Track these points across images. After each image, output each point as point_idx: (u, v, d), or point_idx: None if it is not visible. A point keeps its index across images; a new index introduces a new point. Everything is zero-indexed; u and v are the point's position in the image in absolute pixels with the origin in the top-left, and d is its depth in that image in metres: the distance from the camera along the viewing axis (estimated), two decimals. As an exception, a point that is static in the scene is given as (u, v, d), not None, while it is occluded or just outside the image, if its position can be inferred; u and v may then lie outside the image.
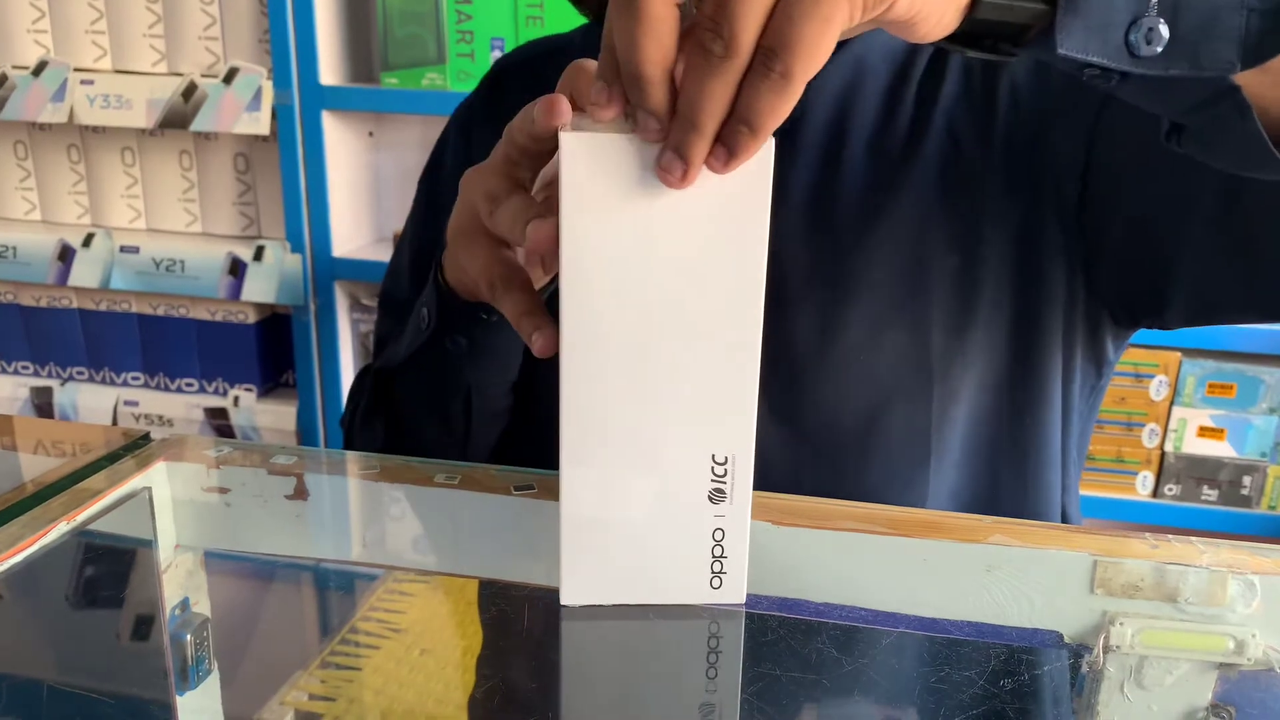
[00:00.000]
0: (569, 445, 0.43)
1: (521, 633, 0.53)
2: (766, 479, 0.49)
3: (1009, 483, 0.67)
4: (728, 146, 0.37)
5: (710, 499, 0.43)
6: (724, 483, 0.43)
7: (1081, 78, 0.40)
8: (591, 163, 0.39)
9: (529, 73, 0.76)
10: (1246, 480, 1.45)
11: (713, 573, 0.45)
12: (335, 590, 0.60)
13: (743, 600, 0.46)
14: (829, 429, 0.64)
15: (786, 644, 0.46)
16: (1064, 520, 0.71)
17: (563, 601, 0.45)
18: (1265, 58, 0.36)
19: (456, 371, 0.61)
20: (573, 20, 1.09)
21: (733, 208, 0.39)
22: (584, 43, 0.74)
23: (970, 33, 0.40)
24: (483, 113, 0.76)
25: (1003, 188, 0.63)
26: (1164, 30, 0.37)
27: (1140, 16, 0.37)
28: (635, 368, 0.41)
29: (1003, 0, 0.38)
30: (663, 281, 0.40)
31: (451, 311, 0.57)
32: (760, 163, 0.39)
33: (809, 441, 0.64)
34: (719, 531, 0.44)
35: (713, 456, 0.43)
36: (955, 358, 0.64)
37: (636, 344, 0.41)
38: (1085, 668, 0.46)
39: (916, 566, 0.48)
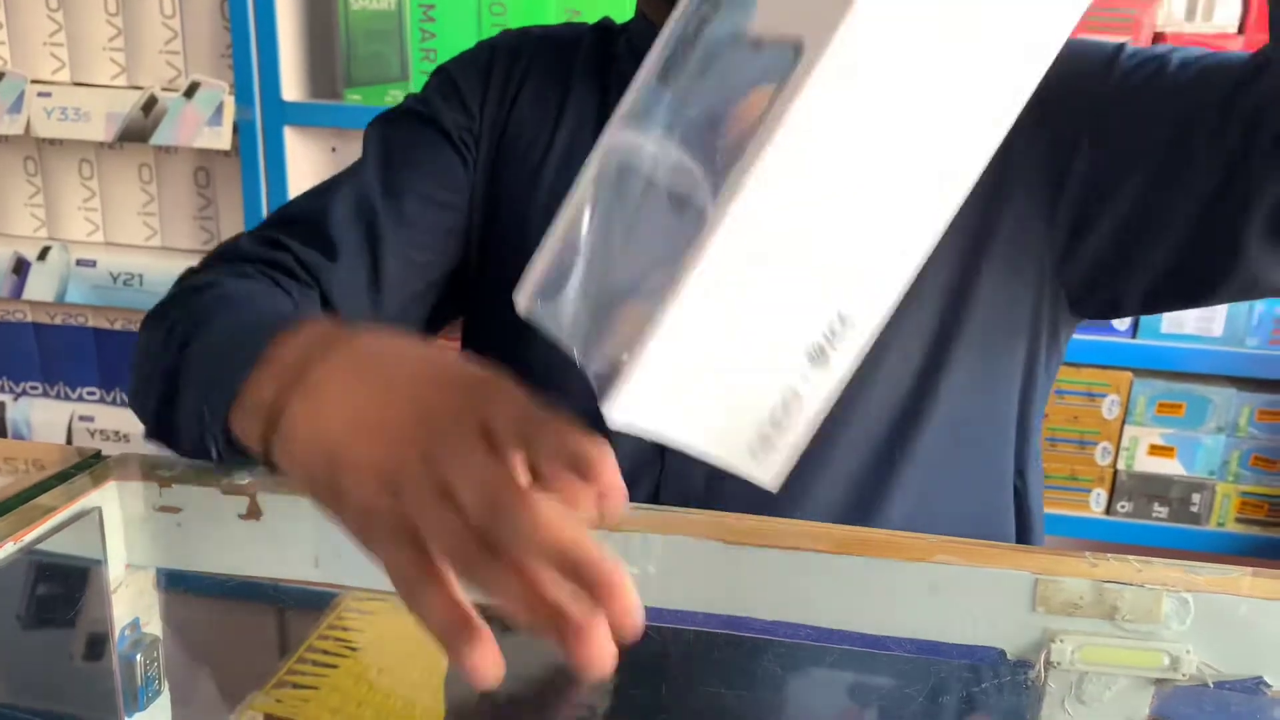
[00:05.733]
0: (720, 245, 0.33)
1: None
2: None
3: (971, 476, 0.68)
4: None
5: (809, 357, 0.37)
6: (832, 346, 0.37)
7: None
8: None
9: (522, 53, 0.75)
10: (1196, 498, 1.48)
11: (759, 438, 0.37)
12: (292, 609, 0.60)
13: (774, 488, 0.38)
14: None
15: (732, 661, 0.46)
16: (1023, 497, 0.72)
17: (612, 415, 0.35)
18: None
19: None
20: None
21: None
22: (591, 38, 0.75)
23: None
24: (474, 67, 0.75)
25: (993, 194, 0.64)
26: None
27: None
28: (829, 191, 0.34)
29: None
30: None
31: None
32: None
33: None
34: (794, 395, 0.37)
35: (838, 312, 0.36)
36: (937, 370, 0.65)
37: (848, 162, 0.34)
38: (1027, 684, 0.47)
39: (862, 585, 0.49)
